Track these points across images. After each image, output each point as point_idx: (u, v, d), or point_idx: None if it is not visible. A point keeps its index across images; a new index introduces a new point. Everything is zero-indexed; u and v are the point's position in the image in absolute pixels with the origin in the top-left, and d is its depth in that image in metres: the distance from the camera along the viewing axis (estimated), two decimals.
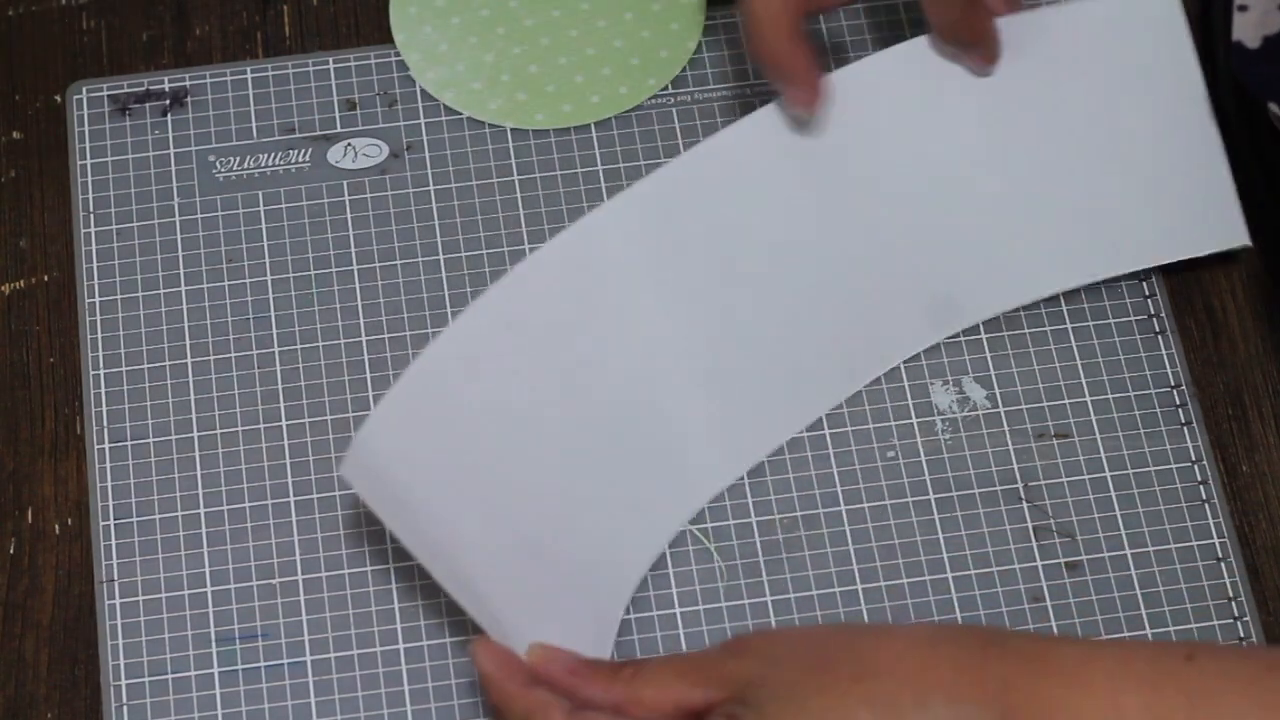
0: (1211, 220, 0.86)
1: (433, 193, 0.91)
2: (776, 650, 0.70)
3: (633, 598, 0.82)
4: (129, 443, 0.86)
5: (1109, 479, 0.84)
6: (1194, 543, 0.83)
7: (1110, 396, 0.86)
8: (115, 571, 0.83)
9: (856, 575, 0.82)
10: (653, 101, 0.93)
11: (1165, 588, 0.82)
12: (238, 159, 0.91)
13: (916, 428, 0.85)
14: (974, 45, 0.83)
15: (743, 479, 0.84)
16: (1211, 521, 0.84)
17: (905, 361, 0.87)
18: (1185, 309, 0.89)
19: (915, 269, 0.85)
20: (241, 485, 0.85)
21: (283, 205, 0.90)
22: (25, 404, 0.87)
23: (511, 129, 0.92)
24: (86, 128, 0.92)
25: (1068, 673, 0.66)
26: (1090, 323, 0.88)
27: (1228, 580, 0.82)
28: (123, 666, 0.81)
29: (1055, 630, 0.81)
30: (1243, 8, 0.74)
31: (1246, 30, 0.74)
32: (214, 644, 0.82)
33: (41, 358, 0.88)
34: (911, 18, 0.95)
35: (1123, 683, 0.65)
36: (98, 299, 0.88)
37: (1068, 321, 0.88)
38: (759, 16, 0.81)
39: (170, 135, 0.92)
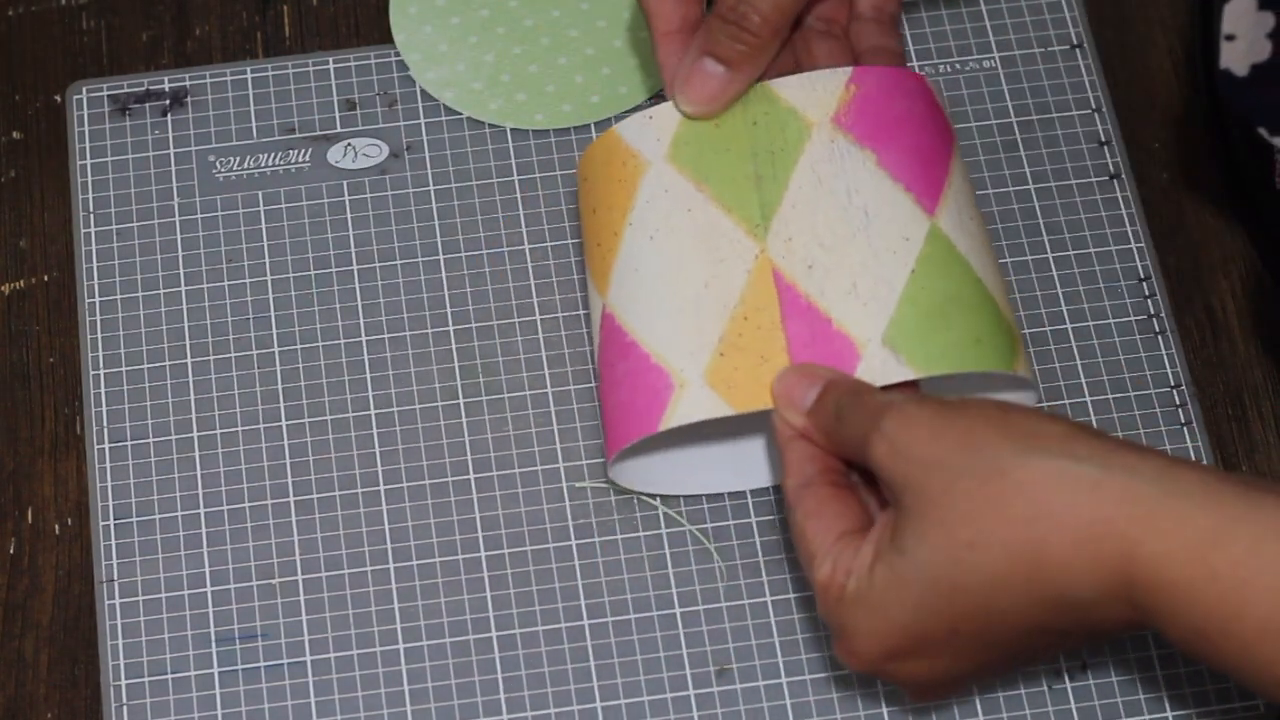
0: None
1: (433, 193, 0.91)
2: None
3: (630, 596, 0.83)
4: (129, 443, 0.86)
5: None
6: None
7: (1110, 396, 0.86)
8: (115, 571, 0.83)
9: None
10: (652, 102, 0.93)
11: None
12: (238, 159, 0.91)
13: None
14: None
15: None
16: None
17: None
18: (1185, 309, 0.89)
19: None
20: (241, 485, 0.85)
21: (283, 205, 0.90)
22: (25, 404, 0.87)
23: (511, 129, 0.92)
24: (86, 128, 0.92)
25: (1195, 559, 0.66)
26: (1090, 323, 0.88)
27: None
28: (123, 666, 0.81)
29: None
30: (1230, 37, 0.75)
31: (1234, 59, 0.75)
32: (214, 644, 0.82)
33: (41, 358, 0.88)
34: (911, 17, 0.95)
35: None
36: (98, 299, 0.88)
37: (1068, 321, 0.88)
38: None
39: (170, 135, 0.92)
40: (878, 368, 0.76)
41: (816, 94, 0.79)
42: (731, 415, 0.77)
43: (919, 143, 0.79)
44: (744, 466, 0.85)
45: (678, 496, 0.84)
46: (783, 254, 0.78)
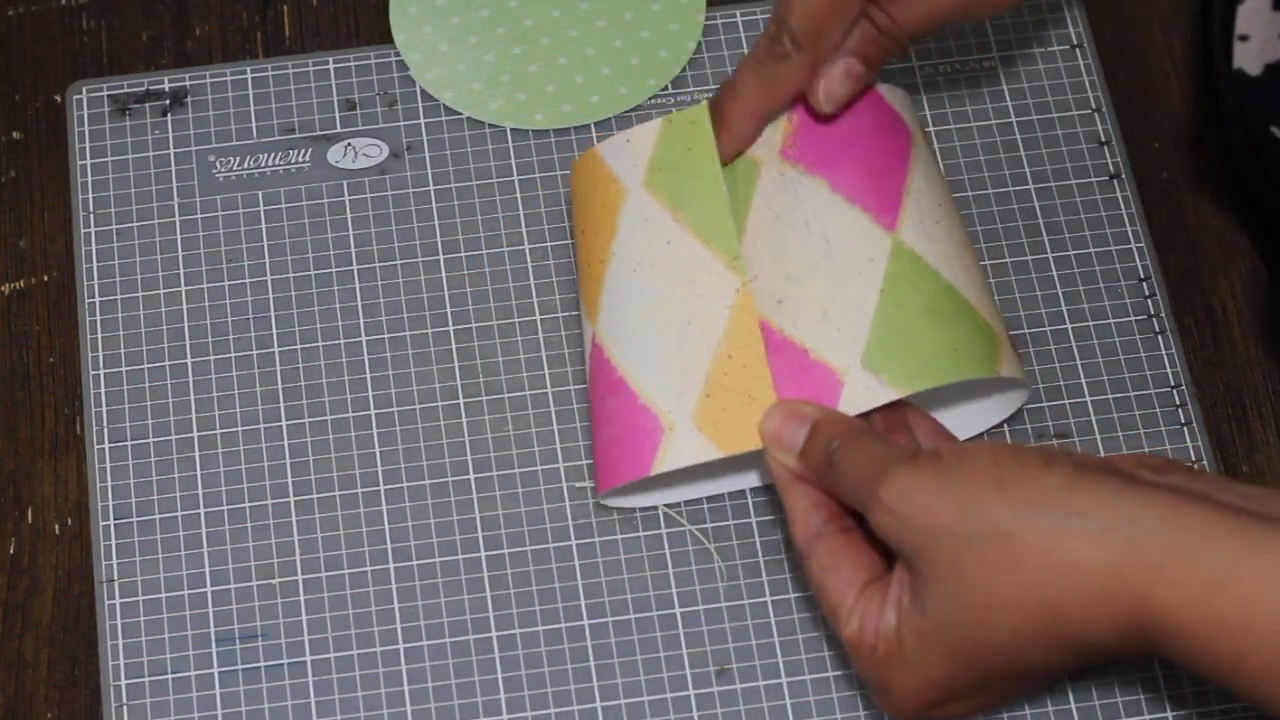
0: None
1: (433, 193, 0.91)
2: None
3: (630, 595, 0.82)
4: (129, 443, 0.86)
5: None
6: None
7: (1110, 396, 0.86)
8: (115, 571, 0.83)
9: None
10: (652, 101, 0.93)
11: None
12: (238, 159, 0.91)
13: None
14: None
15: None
16: None
17: None
18: (1185, 309, 0.89)
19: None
20: (241, 485, 0.85)
21: (283, 205, 0.90)
22: (25, 404, 0.87)
23: (511, 129, 0.92)
24: (86, 128, 0.92)
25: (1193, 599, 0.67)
26: (1090, 323, 0.88)
27: None
28: (123, 666, 0.81)
29: None
30: (1243, 37, 0.75)
31: (1248, 59, 0.75)
32: (214, 644, 0.82)
33: (41, 358, 0.88)
34: None
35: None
36: (98, 299, 0.88)
37: (1068, 321, 0.88)
38: None
39: (170, 135, 0.92)
40: (861, 392, 0.76)
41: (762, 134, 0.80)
42: (721, 458, 0.77)
43: (869, 158, 0.79)
44: (735, 474, 0.85)
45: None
46: (752, 288, 0.78)
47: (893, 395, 0.76)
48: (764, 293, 0.78)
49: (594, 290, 0.81)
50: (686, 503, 0.84)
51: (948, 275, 0.78)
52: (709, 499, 0.84)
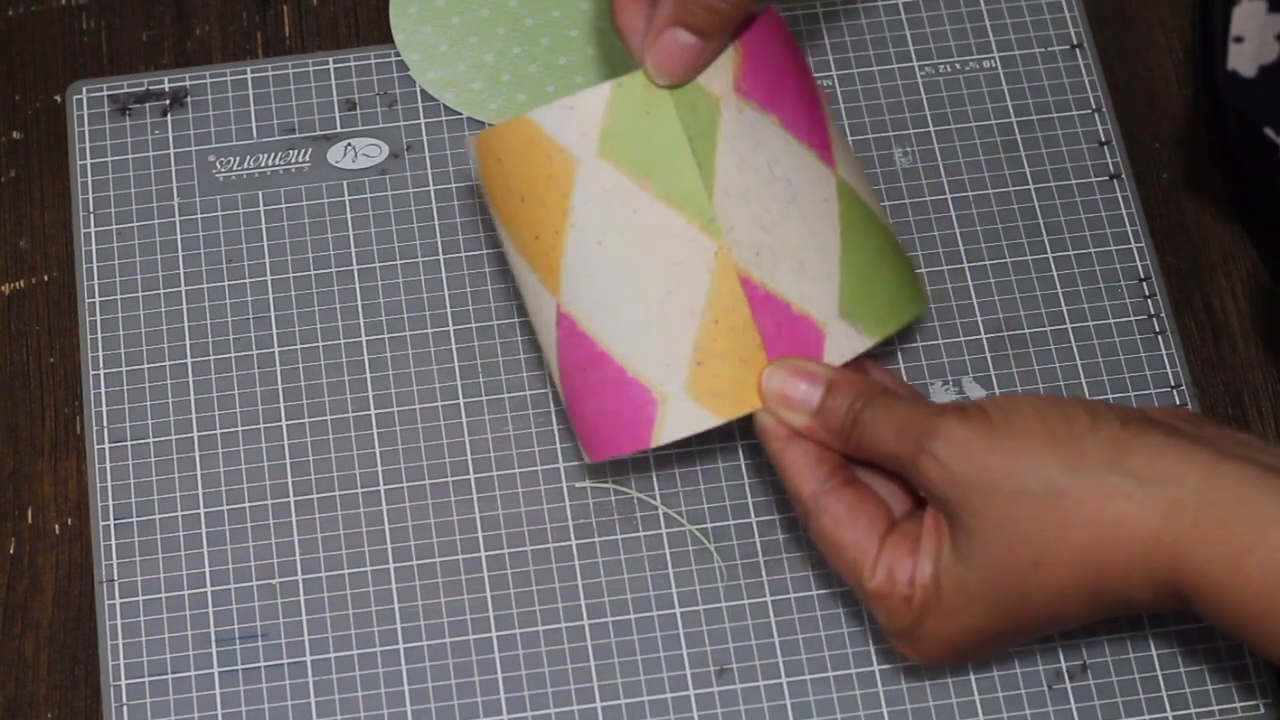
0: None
1: (433, 193, 0.91)
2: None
3: (630, 596, 0.83)
4: (129, 443, 0.86)
5: None
6: None
7: (1110, 397, 0.86)
8: (115, 571, 0.83)
9: None
10: None
11: None
12: (238, 159, 0.91)
13: None
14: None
15: (743, 479, 0.85)
16: None
17: (905, 361, 0.87)
18: (1185, 309, 0.89)
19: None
20: (241, 485, 0.85)
21: (283, 205, 0.90)
22: (25, 404, 0.87)
23: None
24: (86, 128, 0.92)
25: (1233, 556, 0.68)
26: (1090, 323, 0.88)
27: None
28: (123, 666, 0.81)
29: None
30: (1238, 39, 0.75)
31: (1242, 60, 0.75)
32: (214, 644, 0.82)
33: (41, 358, 0.88)
34: (911, 17, 0.95)
35: None
36: (98, 299, 0.88)
37: (1068, 321, 0.88)
38: None
39: (170, 135, 0.92)
40: (844, 342, 0.76)
41: (713, 63, 0.76)
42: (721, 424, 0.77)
43: (801, 92, 0.78)
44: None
45: (678, 495, 0.84)
46: (729, 245, 0.76)
47: (869, 343, 0.76)
48: (741, 245, 0.76)
49: (550, 260, 0.77)
50: (686, 503, 0.84)
51: (874, 210, 0.78)
52: (708, 499, 0.84)
